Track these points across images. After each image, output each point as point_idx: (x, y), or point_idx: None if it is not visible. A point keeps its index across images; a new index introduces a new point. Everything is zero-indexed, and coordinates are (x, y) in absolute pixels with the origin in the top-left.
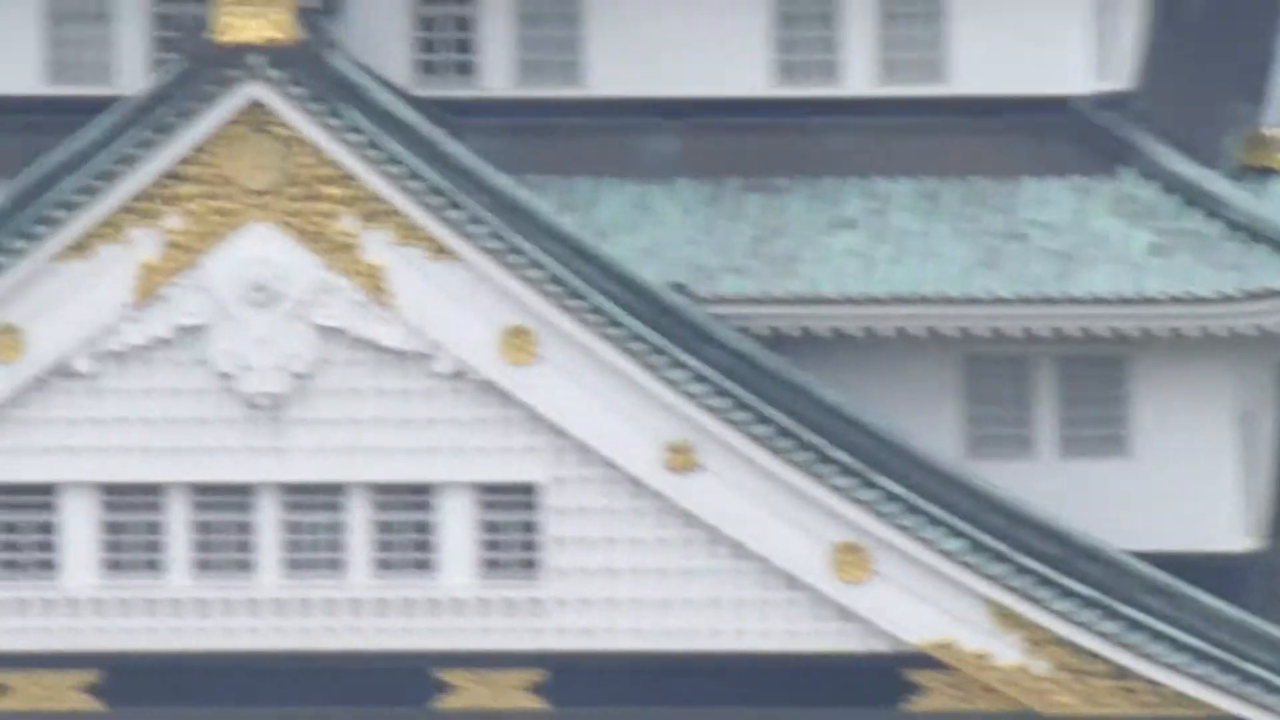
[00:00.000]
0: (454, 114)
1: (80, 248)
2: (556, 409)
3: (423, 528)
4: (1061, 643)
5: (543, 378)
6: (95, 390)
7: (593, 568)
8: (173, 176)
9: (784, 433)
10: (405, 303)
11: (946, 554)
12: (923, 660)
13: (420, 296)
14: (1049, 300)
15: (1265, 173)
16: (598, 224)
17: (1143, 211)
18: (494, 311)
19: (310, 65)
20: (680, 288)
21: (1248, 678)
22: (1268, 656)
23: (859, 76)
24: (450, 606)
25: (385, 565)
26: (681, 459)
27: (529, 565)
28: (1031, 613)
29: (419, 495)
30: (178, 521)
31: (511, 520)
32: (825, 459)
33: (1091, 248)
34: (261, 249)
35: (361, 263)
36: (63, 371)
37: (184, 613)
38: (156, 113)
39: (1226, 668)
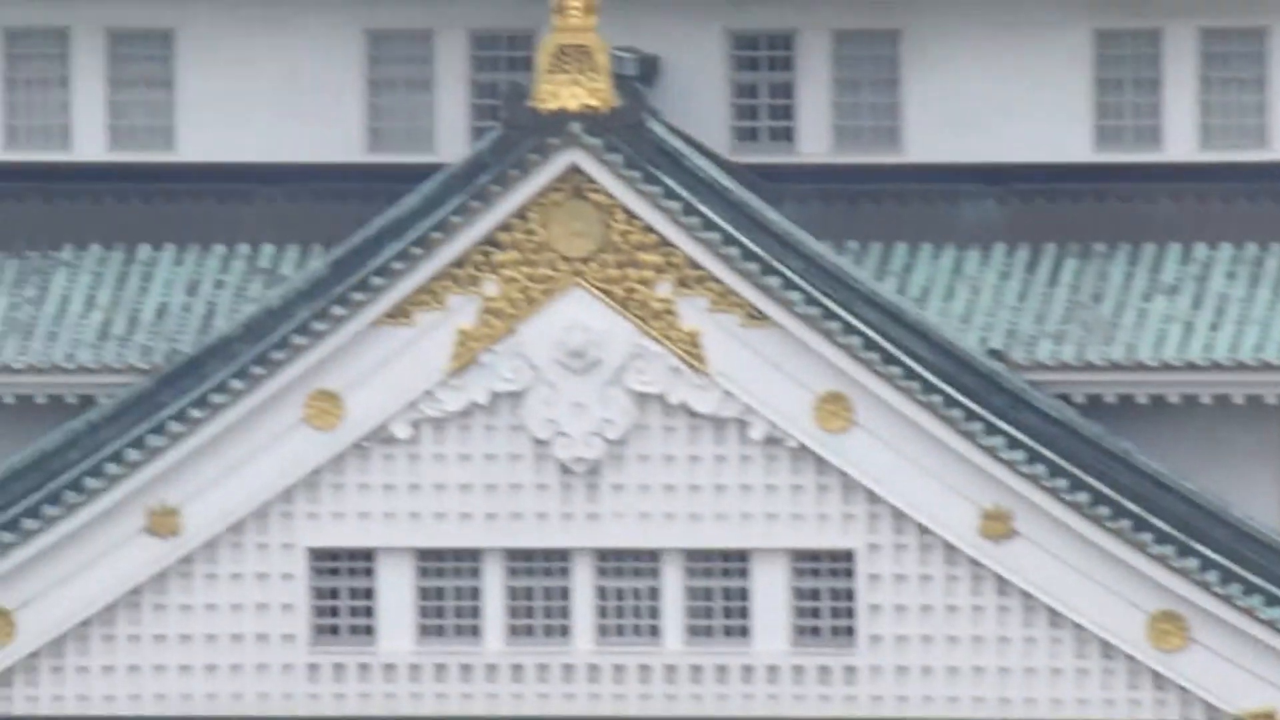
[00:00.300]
0: (771, 180)
1: (399, 314)
2: (872, 475)
3: (737, 594)
4: None
5: (858, 444)
6: (413, 456)
7: (908, 635)
8: (491, 243)
9: (1101, 500)
10: (720, 369)
11: (1266, 622)
12: None
13: (735, 362)
14: None
15: None
16: (914, 290)
17: None
18: (809, 377)
19: (628, 132)
20: (997, 354)
21: None
22: None
23: (1180, 142)
24: (764, 673)
25: (699, 631)
26: (998, 526)
27: (843, 632)
28: None
29: (733, 561)
30: (493, 587)
31: (826, 587)
32: (1143, 526)
33: None
34: (579, 315)
35: (677, 329)
36: (381, 438)
37: (499, 678)
38: (476, 180)
39: None
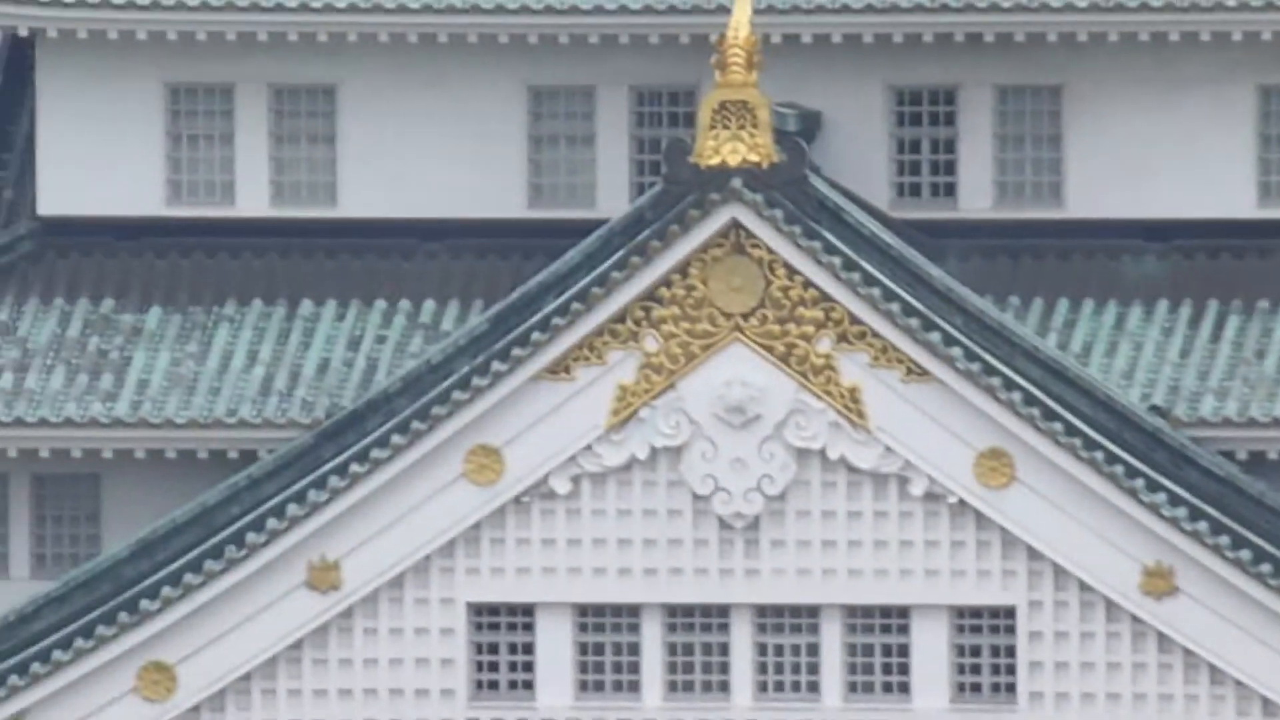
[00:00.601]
0: (933, 235)
1: (559, 369)
2: (1033, 532)
3: (897, 650)
4: None
5: (1019, 500)
6: (572, 511)
7: (1069, 693)
8: (652, 299)
9: (1264, 556)
10: (880, 424)
11: None
12: None
13: (895, 418)
14: None
15: None
16: (1076, 345)
17: None
18: (970, 433)
19: (789, 188)
20: (1160, 410)
21: None
22: None
23: None
24: None
25: (858, 688)
26: (1160, 583)
27: (1004, 689)
28: None
29: (893, 618)
30: (652, 642)
31: (987, 644)
32: None
33: None
34: (739, 371)
35: (837, 384)
36: (540, 493)
37: None
38: (637, 236)
39: None
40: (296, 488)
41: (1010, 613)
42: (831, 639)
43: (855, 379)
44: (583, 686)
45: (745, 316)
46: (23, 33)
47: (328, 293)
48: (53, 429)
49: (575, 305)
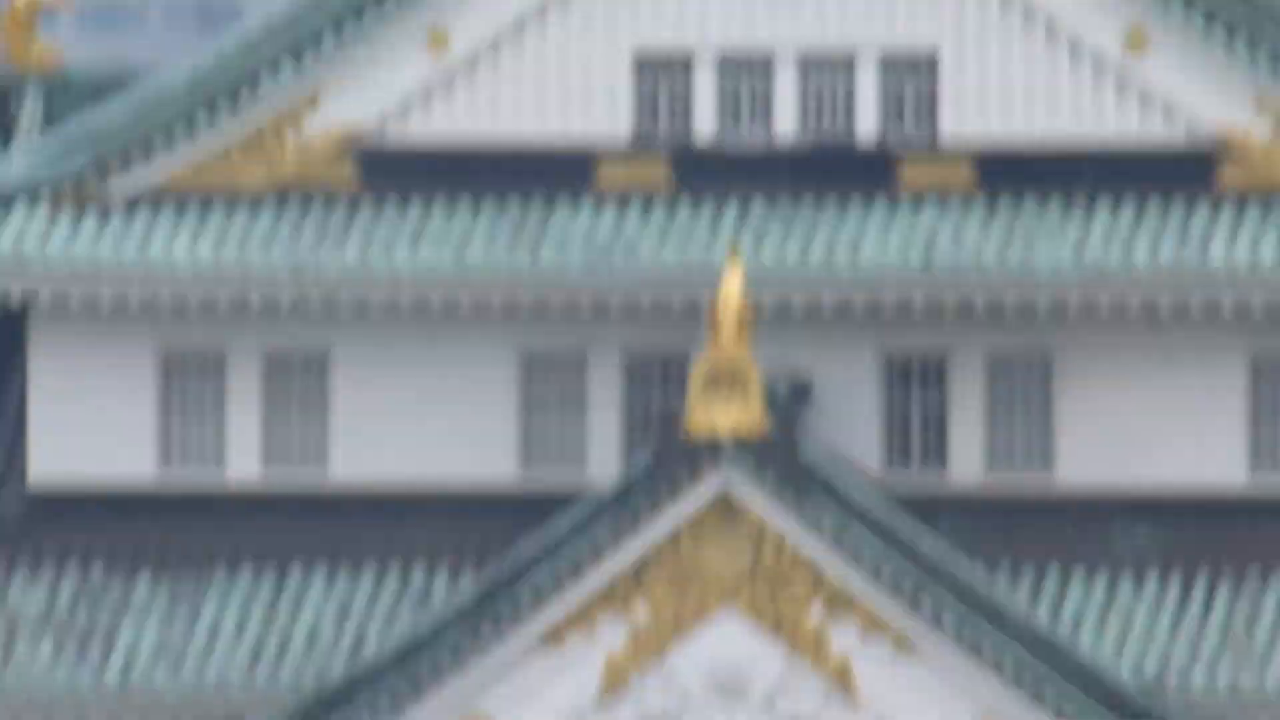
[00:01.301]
0: (923, 503)
1: (550, 638)
2: None
3: None
4: None
5: None
6: None
7: None
8: (642, 567)
9: None
10: (870, 695)
11: None
12: None
13: (885, 689)
14: None
15: None
16: (1067, 617)
17: None
18: (960, 705)
19: (780, 456)
20: (1150, 683)
21: None
22: None
23: None
24: None
25: None
26: None
27: None
28: None
29: None
30: None
31: None
32: None
33: None
34: (729, 640)
35: (827, 654)
36: None
37: None
38: (628, 503)
39: None
40: None
41: None
42: None
43: (845, 649)
44: None
45: (736, 585)
46: (15, 300)
47: (318, 559)
48: (40, 700)
49: (566, 573)
